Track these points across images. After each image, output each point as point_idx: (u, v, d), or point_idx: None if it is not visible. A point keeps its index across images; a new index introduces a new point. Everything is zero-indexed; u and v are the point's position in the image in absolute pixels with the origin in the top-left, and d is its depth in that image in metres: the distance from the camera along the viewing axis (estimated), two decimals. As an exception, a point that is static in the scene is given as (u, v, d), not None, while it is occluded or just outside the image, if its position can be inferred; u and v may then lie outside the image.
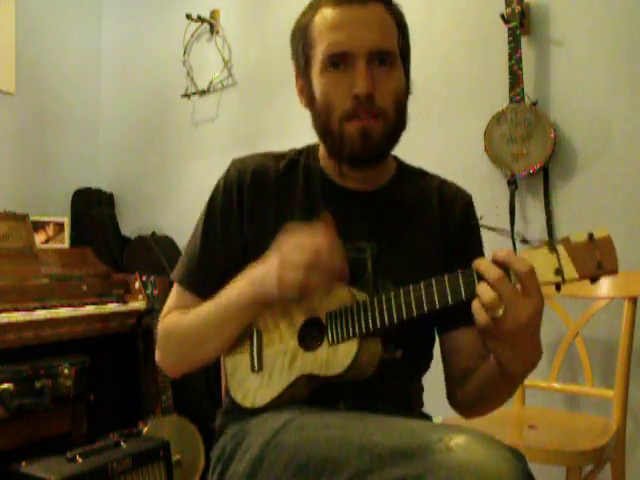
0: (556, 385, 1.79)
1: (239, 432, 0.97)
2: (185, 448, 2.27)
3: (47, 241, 2.79)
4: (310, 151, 1.13)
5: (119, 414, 2.53)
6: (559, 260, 0.79)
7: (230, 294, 0.99)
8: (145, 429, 2.16)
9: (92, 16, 3.28)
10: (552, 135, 1.91)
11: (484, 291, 0.79)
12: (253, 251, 1.03)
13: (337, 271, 0.89)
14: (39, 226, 2.74)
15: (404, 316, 0.87)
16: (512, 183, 1.99)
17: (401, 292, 0.88)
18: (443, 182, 1.14)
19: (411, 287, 0.87)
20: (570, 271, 0.79)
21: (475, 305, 0.80)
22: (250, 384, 0.99)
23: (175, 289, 1.12)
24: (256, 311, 0.98)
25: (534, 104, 1.97)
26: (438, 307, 0.84)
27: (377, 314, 0.89)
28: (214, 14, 2.87)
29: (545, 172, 1.98)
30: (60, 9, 3.12)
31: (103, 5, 3.31)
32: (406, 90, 1.05)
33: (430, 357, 1.10)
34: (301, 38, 1.04)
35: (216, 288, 1.06)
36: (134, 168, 3.18)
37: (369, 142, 0.99)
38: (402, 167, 1.14)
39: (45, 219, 2.81)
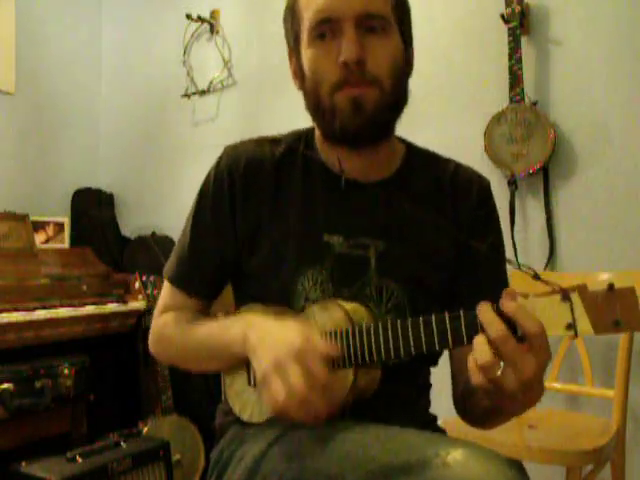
0: (556, 385, 1.79)
1: (236, 438, 0.96)
2: (185, 448, 2.27)
3: (47, 241, 2.79)
4: (308, 137, 1.04)
5: (119, 414, 2.52)
6: (573, 313, 0.70)
7: (224, 338, 0.93)
8: (145, 429, 2.16)
9: (92, 16, 3.28)
10: (552, 135, 1.91)
11: (482, 352, 0.71)
12: (247, 246, 0.99)
13: (319, 416, 0.79)
14: (39, 226, 2.74)
15: (402, 354, 0.81)
16: (512, 183, 1.99)
17: (399, 326, 0.81)
18: (458, 166, 1.05)
19: (409, 322, 0.80)
20: (584, 326, 0.69)
21: (470, 364, 0.72)
22: (247, 398, 0.96)
23: (166, 285, 1.07)
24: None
25: (534, 104, 1.96)
26: (438, 349, 0.79)
27: (374, 347, 0.83)
28: (214, 14, 2.87)
29: (545, 172, 1.98)
30: (60, 9, 3.11)
31: (103, 5, 3.31)
32: (405, 59, 0.95)
33: (439, 353, 1.03)
34: (290, 16, 0.98)
35: (207, 286, 1.04)
36: (134, 168, 3.17)
37: (361, 112, 0.90)
38: (411, 152, 1.05)
39: (45, 219, 2.81)
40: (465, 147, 2.13)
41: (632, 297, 0.69)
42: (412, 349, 0.80)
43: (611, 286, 0.69)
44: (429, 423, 1.03)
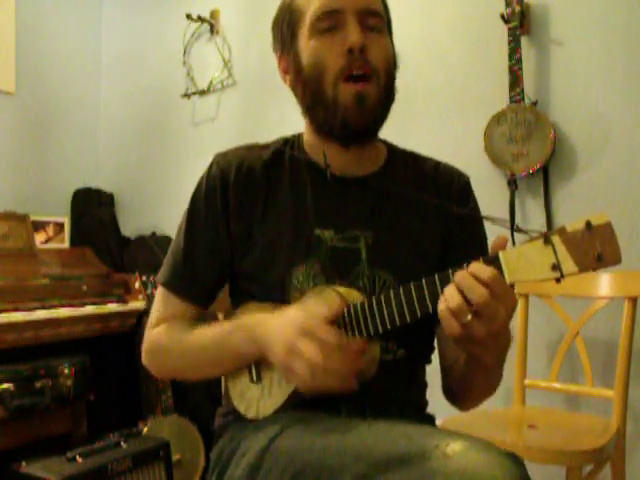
0: (556, 385, 1.79)
1: (236, 436, 0.97)
2: (185, 448, 2.27)
3: (47, 241, 2.79)
4: (295, 141, 1.09)
5: (119, 414, 2.52)
6: (556, 254, 0.72)
7: (230, 341, 0.95)
8: (145, 429, 2.16)
9: (92, 17, 3.28)
10: (552, 135, 1.91)
11: (452, 297, 0.76)
12: (241, 247, 1.01)
13: (346, 377, 0.84)
14: (39, 226, 2.74)
15: (397, 322, 0.85)
16: (512, 183, 1.99)
17: (391, 295, 0.85)
18: (438, 164, 1.10)
19: (401, 289, 0.84)
20: (569, 265, 0.71)
21: (443, 312, 0.77)
22: (252, 395, 0.97)
23: (161, 293, 1.07)
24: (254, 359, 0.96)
25: (534, 104, 1.97)
26: (431, 310, 0.81)
27: (370, 320, 0.86)
28: (214, 14, 2.87)
29: (545, 172, 1.98)
30: (60, 9, 3.11)
31: (103, 6, 3.31)
32: (394, 60, 1.02)
33: (432, 350, 1.08)
34: (285, 16, 1.02)
35: (202, 290, 1.05)
36: (134, 168, 3.17)
37: (364, 107, 0.95)
38: (393, 151, 1.10)
39: (45, 219, 2.81)
40: (465, 147, 2.13)
41: (610, 231, 0.71)
42: (407, 316, 0.84)
43: (589, 223, 0.71)
44: (427, 423, 1.04)
